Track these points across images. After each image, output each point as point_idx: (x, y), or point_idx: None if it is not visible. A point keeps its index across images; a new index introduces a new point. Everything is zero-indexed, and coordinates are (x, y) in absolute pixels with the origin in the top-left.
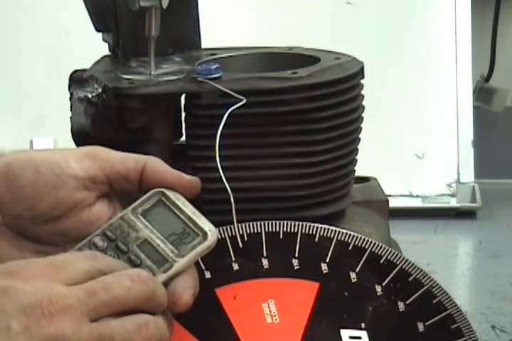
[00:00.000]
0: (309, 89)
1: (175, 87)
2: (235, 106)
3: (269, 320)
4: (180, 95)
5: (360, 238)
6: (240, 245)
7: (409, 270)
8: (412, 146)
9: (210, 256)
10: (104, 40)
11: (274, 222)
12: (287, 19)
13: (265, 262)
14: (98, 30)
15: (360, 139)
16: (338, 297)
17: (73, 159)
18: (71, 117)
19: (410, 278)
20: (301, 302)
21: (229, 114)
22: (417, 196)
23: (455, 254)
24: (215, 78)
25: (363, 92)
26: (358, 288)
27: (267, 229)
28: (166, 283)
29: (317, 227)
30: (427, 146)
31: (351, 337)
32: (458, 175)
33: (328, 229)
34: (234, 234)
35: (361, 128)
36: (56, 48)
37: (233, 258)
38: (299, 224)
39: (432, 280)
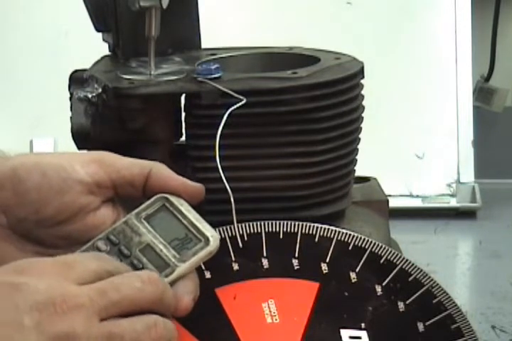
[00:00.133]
0: (309, 89)
1: (175, 87)
2: (235, 106)
3: (269, 320)
4: (180, 95)
5: (360, 238)
6: (240, 245)
7: (409, 270)
8: (412, 146)
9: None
10: (104, 40)
11: (274, 222)
12: (287, 19)
13: (265, 262)
14: (98, 30)
15: (360, 139)
16: (338, 297)
17: (79, 164)
18: (71, 117)
19: (410, 278)
20: (301, 302)
21: (229, 114)
22: (417, 196)
23: (455, 254)
24: (215, 78)
25: (363, 92)
26: (358, 288)
27: (267, 229)
28: None
29: (317, 227)
30: (427, 146)
31: (351, 337)
32: (458, 175)
33: (328, 229)
34: (234, 234)
35: (361, 128)
36: (56, 48)
37: (233, 258)
38: (299, 224)
39: (432, 280)
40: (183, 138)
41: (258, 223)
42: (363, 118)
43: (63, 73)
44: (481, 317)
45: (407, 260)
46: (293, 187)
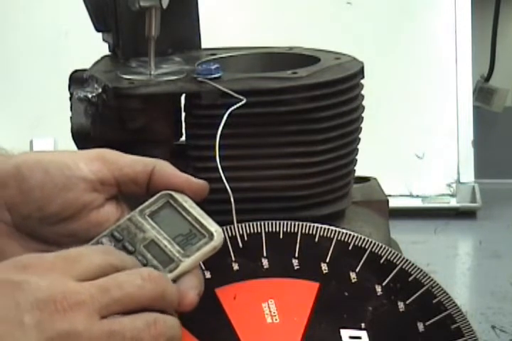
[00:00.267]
0: (309, 89)
1: (175, 87)
2: (235, 106)
3: (269, 320)
4: (180, 95)
5: (360, 238)
6: (240, 245)
7: (409, 270)
8: (412, 146)
9: (210, 256)
10: (104, 40)
11: (274, 222)
12: (287, 19)
13: (265, 262)
14: (98, 30)
15: (360, 139)
16: (338, 297)
17: (83, 161)
18: (71, 117)
19: (410, 278)
20: (301, 302)
21: (229, 114)
22: (417, 196)
23: (455, 254)
24: (215, 78)
25: (363, 92)
26: (358, 288)
27: (267, 229)
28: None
29: (317, 227)
30: (427, 146)
31: (351, 337)
32: (458, 175)
33: (328, 229)
34: (234, 234)
35: (361, 128)
36: (56, 48)
37: (233, 258)
38: (299, 224)
39: (432, 280)
40: (183, 138)
41: (258, 223)
42: (363, 118)
43: (63, 73)
44: (481, 317)
45: (407, 260)
46: (293, 187)
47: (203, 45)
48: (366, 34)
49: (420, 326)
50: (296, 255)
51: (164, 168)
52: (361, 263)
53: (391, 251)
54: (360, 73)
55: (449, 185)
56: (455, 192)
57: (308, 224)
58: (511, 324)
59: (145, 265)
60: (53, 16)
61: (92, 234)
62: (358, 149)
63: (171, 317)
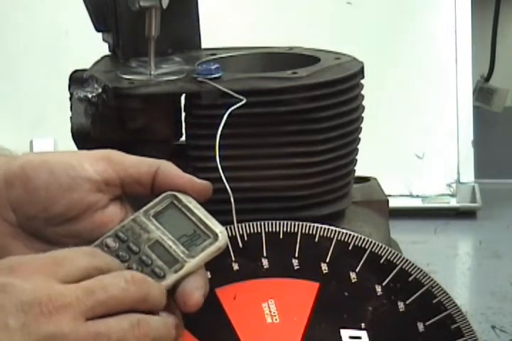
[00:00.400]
0: (309, 89)
1: (175, 87)
2: (235, 106)
3: (269, 320)
4: (180, 95)
5: (360, 238)
6: (240, 245)
7: (409, 270)
8: (412, 146)
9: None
10: (104, 40)
11: (274, 222)
12: (287, 19)
13: (265, 262)
14: (98, 30)
15: (360, 139)
16: (338, 297)
17: (87, 162)
18: (71, 117)
19: (410, 278)
20: (301, 302)
21: (229, 114)
22: (417, 196)
23: (455, 254)
24: (215, 78)
25: (363, 92)
26: (358, 288)
27: (267, 229)
28: (177, 283)
29: (317, 227)
30: (427, 146)
31: (351, 337)
32: (458, 175)
33: (328, 229)
34: (234, 234)
35: (361, 128)
36: (56, 48)
37: (233, 258)
38: (299, 224)
39: (432, 280)
40: (183, 138)
41: (258, 223)
42: (363, 118)
43: (63, 73)
44: (481, 317)
45: (407, 260)
46: (293, 187)
47: (203, 45)
48: (366, 34)
49: (420, 326)
50: (296, 255)
51: (168, 169)
52: (361, 263)
53: (391, 251)
54: (360, 73)
55: (449, 185)
56: (455, 192)
57: (308, 224)
58: (511, 324)
59: (150, 265)
60: (53, 16)
61: (96, 235)
62: (358, 149)
63: (156, 317)
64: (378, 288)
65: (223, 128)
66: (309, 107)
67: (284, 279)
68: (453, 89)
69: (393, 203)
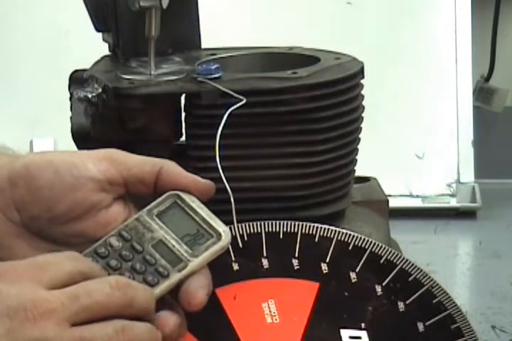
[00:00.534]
0: (309, 89)
1: (175, 87)
2: (235, 106)
3: (269, 320)
4: (180, 95)
5: (360, 238)
6: (240, 245)
7: (409, 270)
8: (412, 146)
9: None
10: (104, 40)
11: (274, 222)
12: (287, 19)
13: (265, 262)
14: (98, 30)
15: (360, 139)
16: (338, 297)
17: (91, 161)
18: (71, 117)
19: (410, 278)
20: (301, 302)
21: (229, 114)
22: (417, 196)
23: (455, 254)
24: (215, 78)
25: (363, 92)
26: (358, 288)
27: (267, 229)
28: (181, 283)
29: (317, 227)
30: (427, 146)
31: (351, 337)
32: (458, 175)
33: (328, 229)
34: (234, 234)
35: (361, 128)
36: (56, 48)
37: (233, 258)
38: (299, 224)
39: (432, 280)
40: (183, 138)
41: (258, 223)
42: (363, 118)
43: (63, 73)
44: (481, 317)
45: (407, 260)
46: (293, 187)
47: (203, 45)
48: (366, 34)
49: (420, 326)
50: (296, 255)
51: (171, 168)
52: (361, 263)
53: (391, 251)
54: (360, 73)
55: (449, 185)
56: (455, 192)
57: (308, 224)
58: (511, 324)
59: (154, 264)
60: (53, 16)
61: (99, 234)
62: (358, 149)
63: (141, 323)
64: (378, 288)
65: (223, 128)
66: (309, 107)
67: (284, 279)
68: (453, 89)
69: (393, 203)
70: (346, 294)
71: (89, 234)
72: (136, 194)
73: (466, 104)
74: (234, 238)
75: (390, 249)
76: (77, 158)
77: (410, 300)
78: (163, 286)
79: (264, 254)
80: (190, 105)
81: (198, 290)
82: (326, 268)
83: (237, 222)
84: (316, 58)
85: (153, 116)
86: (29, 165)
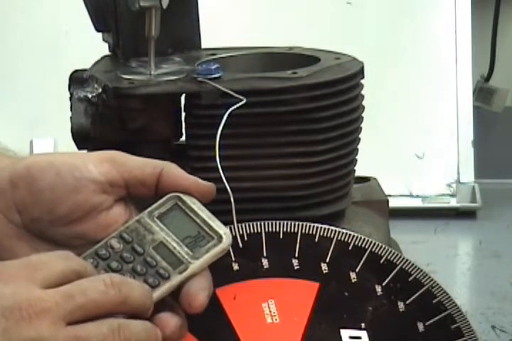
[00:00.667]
0: (309, 89)
1: (175, 87)
2: (235, 106)
3: (269, 320)
4: (180, 95)
5: (360, 238)
6: (240, 245)
7: (409, 270)
8: (412, 146)
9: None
10: (104, 40)
11: (274, 222)
12: (287, 19)
13: (265, 262)
14: (98, 30)
15: (360, 139)
16: (338, 297)
17: (92, 163)
18: (71, 117)
19: (410, 278)
20: (301, 302)
21: (229, 114)
22: (417, 196)
23: (455, 254)
24: (215, 78)
25: (363, 92)
26: (358, 288)
27: (267, 229)
28: (181, 285)
29: (317, 227)
30: (427, 146)
31: (351, 337)
32: (458, 175)
33: (328, 229)
34: (234, 234)
35: (361, 128)
36: (56, 48)
37: (233, 258)
38: (299, 224)
39: (432, 280)
40: (183, 138)
41: (258, 223)
42: (363, 118)
43: (63, 73)
44: (481, 317)
45: (407, 260)
46: (293, 187)
47: (203, 45)
48: (366, 34)
49: (420, 326)
50: (296, 255)
51: (172, 170)
52: (361, 263)
53: (391, 251)
54: (360, 73)
55: (449, 185)
56: (455, 192)
57: (308, 224)
58: (511, 324)
59: (155, 266)
60: (53, 16)
61: (101, 236)
62: (358, 149)
63: (137, 321)
64: (378, 288)
65: (223, 128)
66: (309, 107)
67: (284, 279)
68: (453, 89)
69: (393, 203)
70: (346, 294)
71: (90, 235)
72: (137, 196)
73: (466, 104)
74: (234, 238)
75: (390, 249)
76: (79, 160)
77: (410, 300)
78: (164, 288)
79: (264, 254)
80: (190, 105)
81: (199, 292)
82: (326, 268)
83: (237, 222)
84: (316, 58)
85: (153, 116)
86: (30, 166)
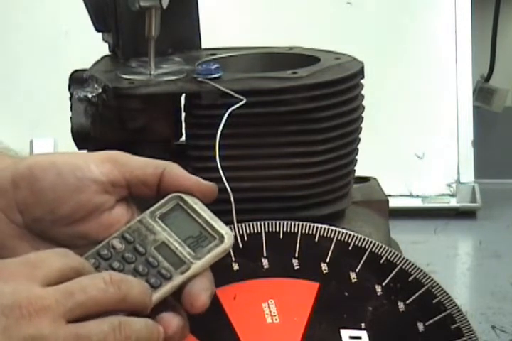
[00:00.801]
0: (309, 89)
1: (175, 87)
2: (235, 106)
3: (269, 320)
4: (180, 95)
5: (360, 238)
6: (240, 245)
7: (409, 270)
8: (412, 146)
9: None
10: (104, 40)
11: (274, 222)
12: (287, 19)
13: (265, 262)
14: (98, 30)
15: (360, 139)
16: (338, 297)
17: (94, 163)
18: (71, 117)
19: (410, 278)
20: (301, 302)
21: (229, 114)
22: (417, 196)
23: (455, 254)
24: (215, 78)
25: (363, 92)
26: (358, 288)
27: (267, 229)
28: (183, 285)
29: (317, 227)
30: (427, 146)
31: (351, 337)
32: (458, 175)
33: (328, 229)
34: (234, 234)
35: (361, 128)
36: (56, 48)
37: (233, 258)
38: (299, 224)
39: (432, 280)
40: (183, 138)
41: (258, 223)
42: (363, 118)
43: (63, 73)
44: (481, 317)
45: (407, 260)
46: (293, 187)
47: (203, 45)
48: (366, 34)
49: (420, 326)
50: (296, 255)
51: (174, 170)
52: (361, 263)
53: (391, 251)
54: (360, 73)
55: (449, 185)
56: (455, 192)
57: (308, 224)
58: (511, 324)
59: (156, 266)
60: (53, 16)
61: (102, 236)
62: (358, 149)
63: (139, 319)
64: (378, 288)
65: (223, 128)
66: (309, 107)
67: (284, 279)
68: (453, 89)
69: (393, 203)
70: (346, 294)
71: (92, 235)
72: (139, 196)
73: (466, 104)
74: (234, 238)
75: (390, 249)
76: (81, 160)
77: (410, 300)
78: (166, 288)
79: (264, 254)
80: (190, 105)
81: (201, 293)
82: (326, 268)
83: (237, 222)
84: (316, 58)
85: (153, 116)
86: (32, 166)
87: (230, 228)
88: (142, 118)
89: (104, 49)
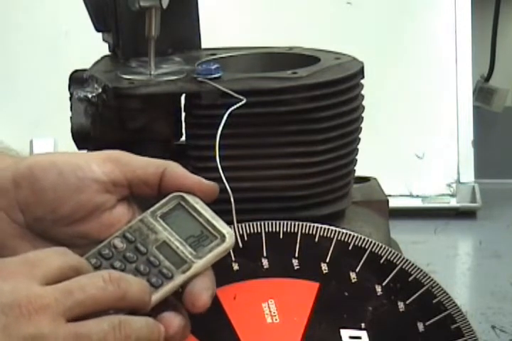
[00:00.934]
0: (309, 89)
1: (175, 87)
2: (235, 106)
3: (269, 320)
4: (180, 95)
5: (360, 238)
6: (240, 245)
7: (409, 270)
8: (412, 146)
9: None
10: (104, 40)
11: (274, 222)
12: (287, 19)
13: (265, 262)
14: (98, 30)
15: (360, 139)
16: (338, 297)
17: (95, 163)
18: (71, 117)
19: (410, 278)
20: (301, 302)
21: (229, 114)
22: (417, 196)
23: (455, 254)
24: (215, 78)
25: (363, 92)
26: (358, 288)
27: (267, 229)
28: (185, 284)
29: (317, 227)
30: (427, 146)
31: (351, 337)
32: (458, 175)
33: (328, 229)
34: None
35: (361, 128)
36: (56, 48)
37: (233, 258)
38: (299, 224)
39: (432, 280)
40: (183, 138)
41: (258, 223)
42: (363, 118)
43: (63, 73)
44: (481, 317)
45: (407, 260)
46: (293, 187)
47: (203, 45)
48: (366, 34)
49: (420, 326)
50: (296, 255)
51: (175, 170)
52: (361, 263)
53: (391, 251)
54: (360, 73)
55: (449, 185)
56: (455, 192)
57: (308, 224)
58: (511, 324)
59: (158, 266)
60: (53, 16)
61: (104, 235)
62: (358, 149)
63: (139, 318)
64: (378, 288)
65: (223, 128)
66: (309, 107)
67: (284, 279)
68: (453, 89)
69: (393, 203)
70: (346, 294)
71: (93, 235)
72: (140, 195)
73: (466, 104)
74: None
75: (390, 249)
76: (82, 160)
77: (410, 300)
78: (167, 288)
79: (264, 254)
80: (190, 105)
81: (202, 292)
82: (326, 268)
83: (237, 222)
84: (316, 58)
85: (153, 116)
86: (33, 166)
87: (230, 228)
88: (142, 118)
89: (104, 49)
